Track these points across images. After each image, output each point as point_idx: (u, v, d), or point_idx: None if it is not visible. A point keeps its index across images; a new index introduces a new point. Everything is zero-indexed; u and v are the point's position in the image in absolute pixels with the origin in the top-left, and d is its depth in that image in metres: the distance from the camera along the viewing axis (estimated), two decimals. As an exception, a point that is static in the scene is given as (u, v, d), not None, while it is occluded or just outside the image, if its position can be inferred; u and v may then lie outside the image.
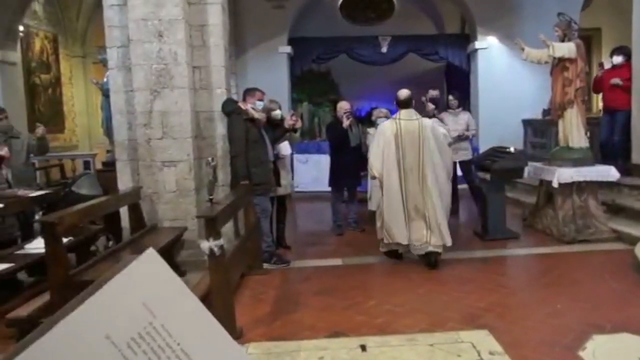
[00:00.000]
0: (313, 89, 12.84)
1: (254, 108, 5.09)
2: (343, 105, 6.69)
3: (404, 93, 5.15)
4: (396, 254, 5.20)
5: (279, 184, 5.61)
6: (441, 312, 3.89)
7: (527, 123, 9.73)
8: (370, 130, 6.69)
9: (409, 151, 4.91)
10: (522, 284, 4.80)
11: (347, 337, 3.49)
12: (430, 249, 4.91)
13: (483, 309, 3.92)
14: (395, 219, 4.93)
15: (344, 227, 6.65)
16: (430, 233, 4.88)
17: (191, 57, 5.26)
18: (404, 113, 5.07)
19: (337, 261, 5.40)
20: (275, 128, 5.64)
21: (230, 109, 5.06)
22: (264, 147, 5.19)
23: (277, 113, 5.66)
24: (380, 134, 5.06)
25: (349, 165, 6.42)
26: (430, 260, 4.95)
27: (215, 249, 3.50)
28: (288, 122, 5.61)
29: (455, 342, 3.37)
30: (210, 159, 4.55)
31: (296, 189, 9.00)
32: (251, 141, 4.94)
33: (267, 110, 5.61)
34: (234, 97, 6.63)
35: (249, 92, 5.31)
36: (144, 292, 0.55)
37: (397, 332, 3.56)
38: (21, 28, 9.67)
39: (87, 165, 9.71)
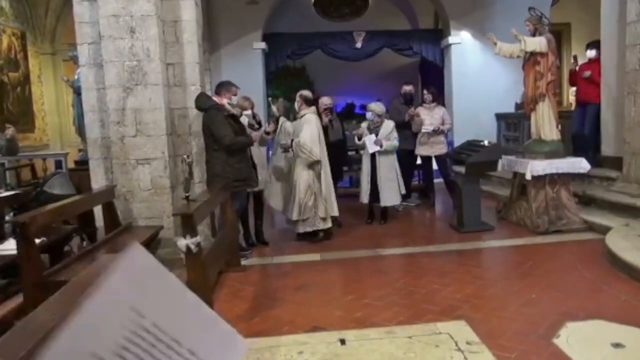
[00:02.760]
0: (288, 85, 12.80)
1: (230, 103, 5.06)
2: (324, 101, 6.71)
3: (311, 93, 6.16)
4: (315, 234, 5.92)
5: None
6: (419, 305, 3.94)
7: (500, 117, 9.87)
8: (363, 124, 6.70)
9: (322, 140, 5.89)
10: (498, 275, 4.87)
11: (327, 332, 3.50)
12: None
13: (460, 300, 3.97)
14: (332, 196, 5.93)
15: None
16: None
17: (164, 54, 5.19)
18: (314, 109, 6.01)
19: (316, 256, 5.40)
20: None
21: (208, 104, 5.00)
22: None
23: (247, 113, 5.65)
24: (313, 124, 5.75)
25: (330, 160, 6.44)
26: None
27: (192, 247, 3.48)
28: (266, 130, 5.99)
29: (433, 333, 3.41)
30: (186, 156, 4.50)
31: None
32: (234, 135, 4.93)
33: (241, 108, 5.61)
34: (209, 93, 6.56)
35: (224, 87, 5.24)
36: (131, 293, 0.54)
37: (376, 325, 3.58)
38: (-13, 25, 9.41)
39: (58, 164, 9.51)
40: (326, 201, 5.81)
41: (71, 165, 8.70)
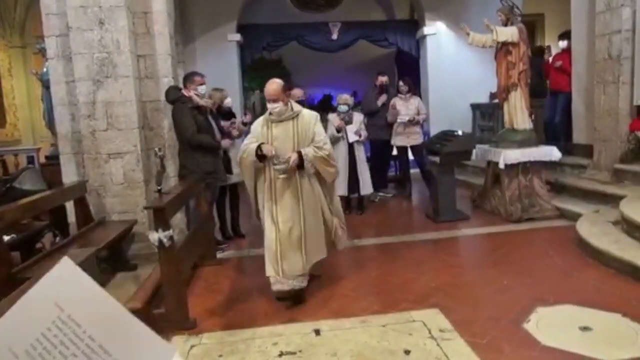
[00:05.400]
0: (265, 77, 12.65)
1: (197, 94, 5.01)
2: (296, 93, 6.69)
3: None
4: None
5: (229, 172, 5.56)
6: (394, 294, 3.97)
7: (475, 107, 9.96)
8: (330, 116, 6.73)
9: None
10: (472, 263, 4.94)
11: (301, 323, 3.51)
12: None
13: (435, 289, 4.02)
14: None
15: None
16: None
17: (135, 46, 5.11)
18: None
19: (292, 248, 5.39)
20: (225, 115, 5.66)
21: (174, 97, 4.95)
22: (212, 135, 5.12)
23: (229, 101, 5.63)
24: (321, 124, 4.17)
25: None
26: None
27: (165, 240, 3.45)
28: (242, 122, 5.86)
29: (407, 321, 3.45)
30: (157, 149, 4.45)
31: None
32: (199, 129, 4.87)
33: (219, 99, 5.60)
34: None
35: (188, 79, 5.19)
36: (57, 294, 0.58)
37: (351, 315, 3.60)
38: (-48, 17, 9.13)
39: (30, 160, 9.33)
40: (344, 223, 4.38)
41: (43, 160, 8.55)
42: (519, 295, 3.76)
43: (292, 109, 3.97)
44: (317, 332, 3.38)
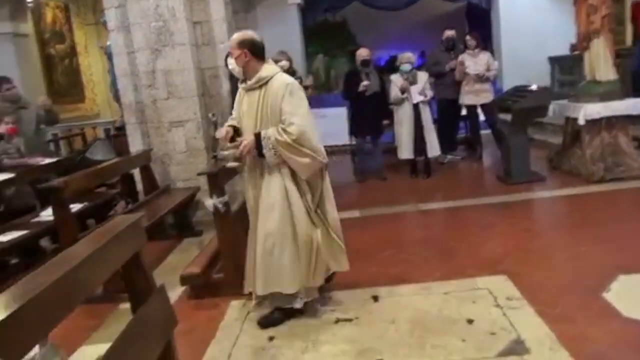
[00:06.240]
0: (329, 41, 12.44)
1: None
2: (362, 53, 6.51)
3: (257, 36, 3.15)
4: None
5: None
6: (459, 260, 3.77)
7: (554, 60, 9.22)
8: (393, 77, 6.48)
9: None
10: (546, 227, 4.59)
11: (360, 289, 3.40)
12: None
13: (503, 255, 3.77)
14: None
15: (366, 175, 6.76)
16: None
17: (190, 12, 5.08)
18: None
19: (355, 213, 5.27)
20: None
21: None
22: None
23: (283, 64, 5.49)
24: (302, 94, 3.01)
25: (368, 114, 6.39)
26: None
27: (220, 206, 3.43)
28: None
29: (471, 289, 3.25)
30: (211, 114, 4.42)
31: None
32: None
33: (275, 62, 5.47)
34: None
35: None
36: None
37: (412, 281, 3.46)
38: (29, -1, 9.58)
39: (107, 132, 9.76)
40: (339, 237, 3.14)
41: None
42: (599, 262, 3.43)
43: (259, 72, 2.97)
44: (376, 298, 3.27)
